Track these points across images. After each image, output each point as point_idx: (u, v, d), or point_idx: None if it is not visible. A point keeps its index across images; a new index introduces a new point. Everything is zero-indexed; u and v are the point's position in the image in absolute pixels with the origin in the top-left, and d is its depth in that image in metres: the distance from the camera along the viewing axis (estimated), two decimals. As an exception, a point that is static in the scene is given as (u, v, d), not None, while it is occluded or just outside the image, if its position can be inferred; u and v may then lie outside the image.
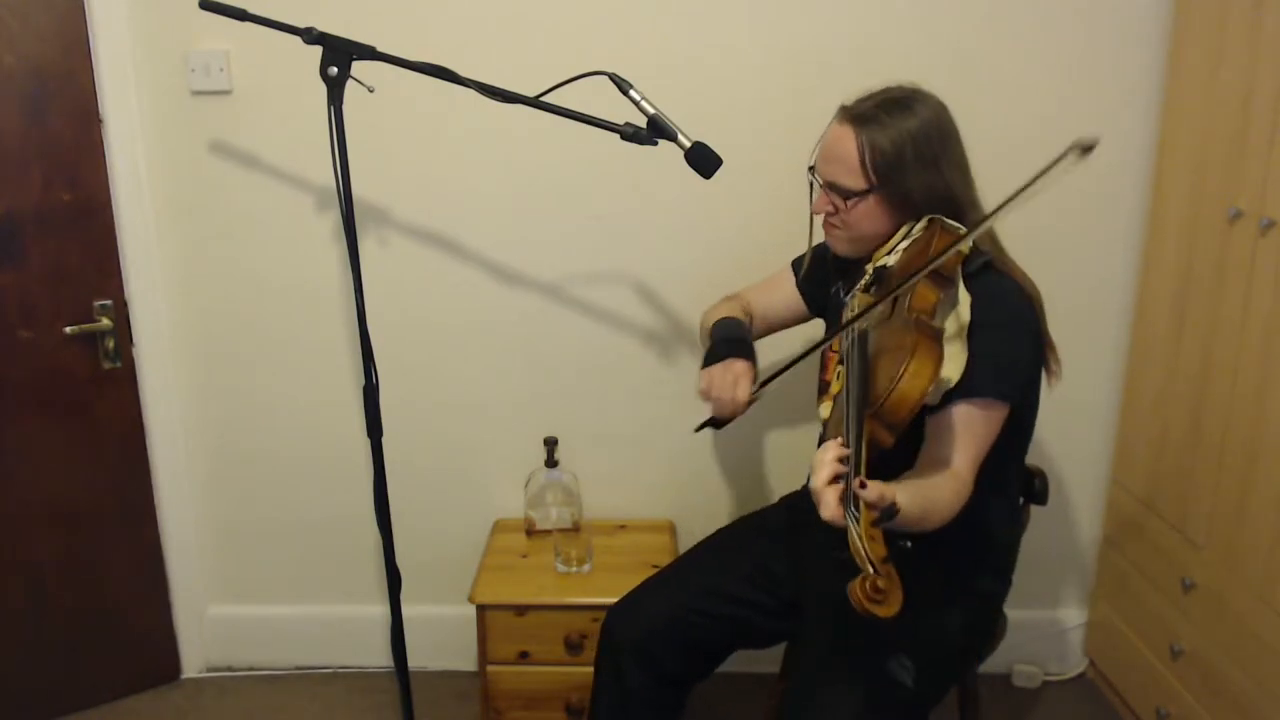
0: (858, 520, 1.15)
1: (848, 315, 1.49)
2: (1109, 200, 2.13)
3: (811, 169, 1.58)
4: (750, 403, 1.58)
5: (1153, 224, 2.09)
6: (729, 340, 1.67)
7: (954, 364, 1.36)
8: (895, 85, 1.52)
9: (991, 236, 1.53)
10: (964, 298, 1.41)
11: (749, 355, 1.64)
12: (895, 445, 1.26)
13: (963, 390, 1.36)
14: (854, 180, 1.49)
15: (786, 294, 1.83)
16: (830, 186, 1.53)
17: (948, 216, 1.47)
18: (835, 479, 1.19)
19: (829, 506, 1.16)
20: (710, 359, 1.65)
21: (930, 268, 1.33)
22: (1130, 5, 2.02)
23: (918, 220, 1.50)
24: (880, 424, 1.25)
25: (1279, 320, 1.67)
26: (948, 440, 1.39)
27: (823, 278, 1.75)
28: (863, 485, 1.15)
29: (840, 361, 1.50)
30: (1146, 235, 2.12)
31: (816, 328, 1.88)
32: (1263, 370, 1.71)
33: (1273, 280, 1.68)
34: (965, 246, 1.43)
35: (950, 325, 1.40)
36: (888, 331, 1.35)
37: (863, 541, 1.13)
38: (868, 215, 1.51)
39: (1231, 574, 1.81)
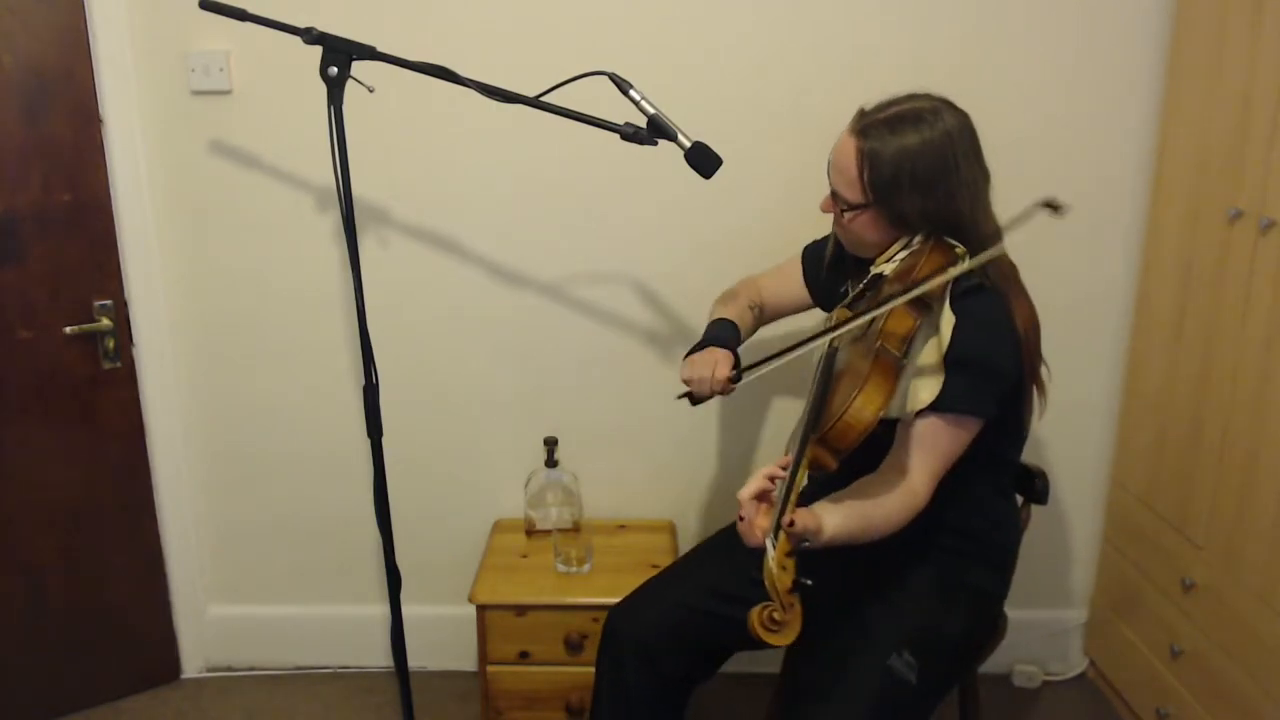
0: (774, 546, 1.17)
1: (826, 325, 1.51)
2: (1109, 200, 2.13)
3: (829, 164, 1.57)
4: (731, 384, 1.60)
5: (1153, 224, 2.09)
6: (714, 338, 1.70)
7: (929, 388, 1.37)
8: (918, 95, 1.48)
9: (1004, 259, 1.51)
10: (948, 320, 1.40)
11: (731, 346, 1.67)
12: (841, 467, 1.29)
13: (934, 404, 1.37)
14: (852, 193, 1.49)
15: (794, 285, 1.84)
16: (834, 194, 1.54)
17: (948, 235, 1.46)
18: (762, 496, 1.24)
19: (752, 531, 1.22)
20: (693, 351, 1.70)
21: (910, 294, 1.33)
22: (1130, 5, 2.01)
23: (916, 234, 1.49)
24: (825, 449, 1.27)
25: (1279, 320, 1.67)
26: (911, 451, 1.40)
27: (838, 273, 1.75)
28: (791, 523, 1.18)
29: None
30: (1146, 235, 2.12)
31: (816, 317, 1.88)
32: (1263, 370, 1.71)
33: (1273, 280, 1.68)
34: (954, 273, 1.41)
35: (930, 350, 1.40)
36: (855, 352, 1.36)
37: (774, 570, 1.16)
38: (865, 226, 1.52)
39: (1231, 574, 1.81)
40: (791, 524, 1.18)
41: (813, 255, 1.83)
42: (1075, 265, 2.16)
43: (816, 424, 1.29)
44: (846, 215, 1.52)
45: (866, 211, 1.49)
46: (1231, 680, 1.80)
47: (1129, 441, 2.20)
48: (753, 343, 1.84)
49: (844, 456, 1.28)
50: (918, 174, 1.44)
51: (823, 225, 1.77)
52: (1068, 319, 2.17)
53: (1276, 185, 1.67)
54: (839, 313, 1.52)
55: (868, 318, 1.36)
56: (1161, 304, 2.05)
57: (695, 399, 1.65)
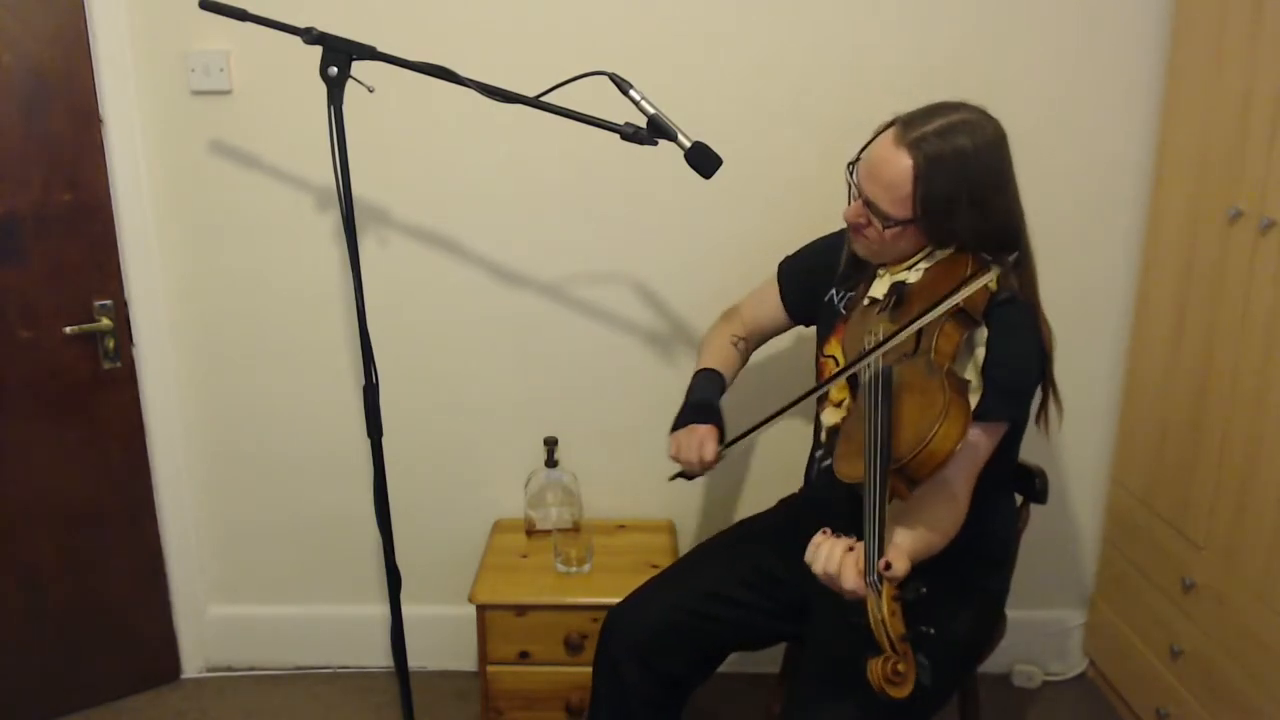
0: (879, 593, 1.13)
1: (868, 340, 1.44)
2: (1109, 200, 2.13)
3: (851, 167, 1.51)
4: (718, 460, 1.63)
5: (1153, 224, 2.09)
6: (696, 405, 1.69)
7: (971, 401, 1.34)
8: (957, 104, 1.44)
9: (1029, 276, 1.50)
10: (981, 332, 1.39)
11: (713, 419, 1.67)
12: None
13: (974, 413, 1.35)
14: (898, 210, 1.42)
15: (774, 306, 1.82)
16: (870, 205, 1.46)
17: (991, 250, 1.43)
18: (850, 548, 1.18)
19: (850, 580, 1.16)
20: (678, 423, 1.69)
21: (959, 296, 1.29)
22: (1130, 5, 2.01)
23: (951, 247, 1.47)
24: (903, 480, 1.23)
25: (1279, 320, 1.67)
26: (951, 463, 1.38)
27: (813, 285, 1.74)
28: (888, 566, 1.14)
29: (838, 373, 1.48)
30: (1146, 235, 2.12)
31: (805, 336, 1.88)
32: (1263, 370, 1.71)
33: (1273, 280, 1.68)
34: (993, 284, 1.40)
35: (970, 369, 1.40)
36: (911, 371, 1.32)
37: (884, 617, 1.11)
38: (903, 239, 1.47)
39: (1231, 574, 1.81)
40: (888, 566, 1.13)
41: (790, 271, 1.80)
42: (1076, 265, 2.16)
43: (889, 454, 1.23)
44: (888, 231, 1.44)
45: (910, 227, 1.44)
46: (1231, 680, 1.80)
47: (1129, 441, 2.20)
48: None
49: (918, 488, 1.24)
50: (974, 192, 1.39)
51: (820, 224, 1.77)
52: (1068, 319, 2.16)
53: (1276, 185, 1.67)
54: (885, 326, 1.43)
55: (918, 325, 1.30)
56: (1161, 304, 2.05)
57: (689, 476, 1.67)
